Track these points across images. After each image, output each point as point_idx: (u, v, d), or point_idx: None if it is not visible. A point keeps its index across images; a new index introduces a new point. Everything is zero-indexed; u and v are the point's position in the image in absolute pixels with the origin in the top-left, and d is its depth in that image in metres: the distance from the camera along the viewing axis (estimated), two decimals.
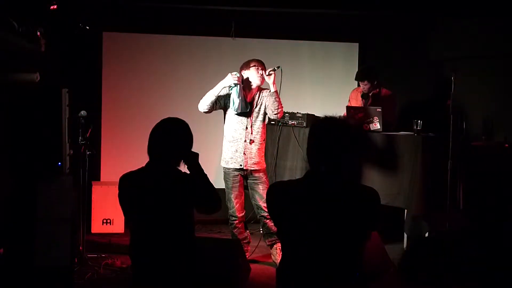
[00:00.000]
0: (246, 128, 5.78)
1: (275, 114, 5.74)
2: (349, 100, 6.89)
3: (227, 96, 5.77)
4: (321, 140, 2.86)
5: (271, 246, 5.92)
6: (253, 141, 5.78)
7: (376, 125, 6.11)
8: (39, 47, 5.48)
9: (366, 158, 6.04)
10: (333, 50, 7.85)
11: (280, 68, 5.82)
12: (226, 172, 5.84)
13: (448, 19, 7.12)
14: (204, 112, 5.76)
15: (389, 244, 5.95)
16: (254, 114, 5.81)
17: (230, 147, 5.81)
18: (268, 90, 5.77)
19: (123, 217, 6.92)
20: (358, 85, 7.17)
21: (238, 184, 5.82)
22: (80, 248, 5.65)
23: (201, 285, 3.70)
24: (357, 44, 7.87)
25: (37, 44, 5.42)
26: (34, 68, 5.17)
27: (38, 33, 5.37)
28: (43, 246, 4.89)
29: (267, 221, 5.79)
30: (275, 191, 2.98)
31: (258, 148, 5.82)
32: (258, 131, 5.81)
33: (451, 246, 2.58)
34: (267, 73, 5.75)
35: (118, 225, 6.93)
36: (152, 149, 3.52)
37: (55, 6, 5.89)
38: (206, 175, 3.53)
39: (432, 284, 2.41)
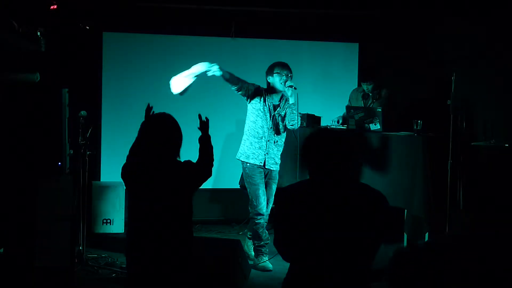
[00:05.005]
0: (271, 128, 5.78)
1: (291, 125, 5.77)
2: (349, 100, 6.89)
3: (253, 89, 5.77)
4: (318, 155, 2.84)
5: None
6: (277, 142, 5.79)
7: (376, 125, 6.11)
8: (39, 47, 5.48)
9: (366, 158, 6.03)
10: (333, 50, 7.85)
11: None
12: (251, 168, 5.81)
13: (448, 19, 7.12)
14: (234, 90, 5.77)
15: (389, 244, 5.95)
16: (279, 118, 5.80)
17: (254, 142, 5.80)
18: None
19: (123, 217, 6.93)
20: (359, 85, 7.18)
21: (264, 179, 5.83)
22: (80, 248, 5.65)
23: (201, 285, 3.70)
24: (357, 44, 7.86)
25: (37, 44, 5.42)
26: (34, 68, 5.17)
27: (38, 33, 5.37)
28: (43, 246, 4.89)
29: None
30: (284, 196, 2.96)
31: (278, 150, 5.83)
32: (282, 133, 5.83)
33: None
34: (286, 85, 5.72)
35: (118, 225, 6.93)
36: (144, 146, 3.56)
37: (55, 6, 5.89)
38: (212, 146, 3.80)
39: None
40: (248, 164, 5.83)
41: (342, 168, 2.81)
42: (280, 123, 5.83)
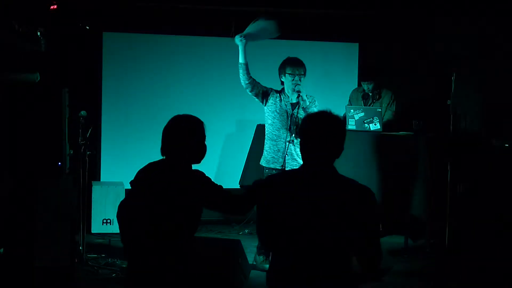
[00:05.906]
0: (290, 128, 5.61)
1: None
2: (349, 100, 6.90)
3: (263, 90, 5.62)
4: (314, 134, 2.83)
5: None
6: (297, 142, 5.60)
7: (376, 125, 6.12)
8: (39, 47, 5.49)
9: (365, 158, 6.03)
10: (333, 50, 7.85)
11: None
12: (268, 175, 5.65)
13: (448, 19, 7.13)
14: (247, 89, 5.60)
15: (388, 244, 5.95)
16: (299, 116, 5.62)
17: (272, 145, 5.62)
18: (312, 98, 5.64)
19: None
20: (359, 85, 7.19)
21: None
22: (80, 248, 5.65)
23: (201, 285, 3.69)
24: (357, 44, 7.87)
25: (37, 44, 5.43)
26: (34, 68, 5.17)
27: (38, 33, 5.37)
28: (43, 246, 4.89)
29: None
30: (261, 184, 2.97)
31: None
32: None
33: None
34: (295, 90, 5.51)
35: (118, 225, 6.92)
36: (165, 147, 3.46)
37: (55, 6, 5.90)
38: None
39: None
40: (267, 170, 5.62)
41: (326, 150, 2.79)
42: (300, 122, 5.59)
